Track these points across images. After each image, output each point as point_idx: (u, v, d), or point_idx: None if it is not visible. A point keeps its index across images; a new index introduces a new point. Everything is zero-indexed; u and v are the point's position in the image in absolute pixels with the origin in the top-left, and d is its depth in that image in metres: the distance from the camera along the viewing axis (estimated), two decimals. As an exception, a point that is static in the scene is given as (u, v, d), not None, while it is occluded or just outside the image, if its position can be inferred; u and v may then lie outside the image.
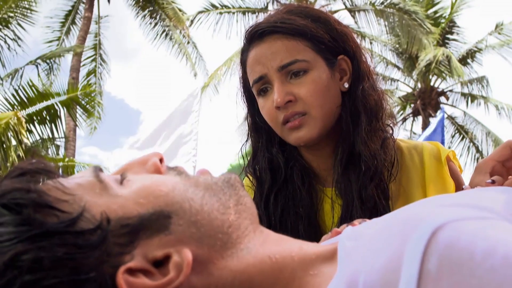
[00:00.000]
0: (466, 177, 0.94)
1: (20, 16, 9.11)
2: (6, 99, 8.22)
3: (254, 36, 1.00)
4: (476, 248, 0.36)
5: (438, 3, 14.43)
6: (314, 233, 1.02)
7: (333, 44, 1.00)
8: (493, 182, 0.77)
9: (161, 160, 0.57)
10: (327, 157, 1.05)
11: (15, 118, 6.33)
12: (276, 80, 0.97)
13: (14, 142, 6.64)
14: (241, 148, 1.15)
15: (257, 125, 1.10)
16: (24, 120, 6.53)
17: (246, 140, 1.14)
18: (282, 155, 1.07)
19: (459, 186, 1.01)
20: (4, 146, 6.53)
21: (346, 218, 0.99)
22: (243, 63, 1.05)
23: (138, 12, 14.20)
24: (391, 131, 1.05)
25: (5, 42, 8.76)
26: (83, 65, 13.60)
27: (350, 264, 0.46)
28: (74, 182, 0.50)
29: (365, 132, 0.99)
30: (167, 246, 0.48)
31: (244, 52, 1.04)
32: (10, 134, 6.53)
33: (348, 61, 1.02)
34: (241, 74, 1.09)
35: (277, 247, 0.52)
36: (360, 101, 1.00)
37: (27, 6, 9.26)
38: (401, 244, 0.41)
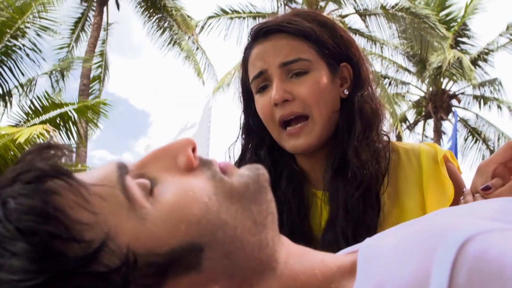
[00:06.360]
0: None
1: (38, 25, 9.23)
2: (21, 109, 8.31)
3: (259, 34, 1.00)
4: (507, 261, 0.36)
5: (449, 6, 14.40)
6: (303, 237, 1.00)
7: (337, 50, 1.00)
8: (488, 188, 0.76)
9: (193, 150, 0.51)
10: (321, 160, 1.03)
11: (42, 129, 6.36)
12: (276, 76, 0.96)
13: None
14: (229, 148, 1.13)
15: (249, 127, 1.09)
16: (52, 133, 6.57)
17: (235, 141, 1.13)
18: (270, 158, 1.05)
19: (458, 187, 0.99)
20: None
21: (331, 225, 0.97)
22: (245, 61, 1.05)
23: (146, 20, 14.27)
24: (386, 141, 1.04)
25: (24, 51, 8.87)
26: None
27: (373, 273, 0.45)
28: (98, 193, 0.43)
29: (358, 140, 0.98)
30: (197, 286, 0.44)
31: (247, 50, 1.04)
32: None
33: (350, 69, 1.02)
34: (241, 73, 1.08)
35: (300, 264, 0.50)
36: (356, 108, 1.00)
37: (44, 16, 9.36)
38: (429, 256, 0.40)
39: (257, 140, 1.08)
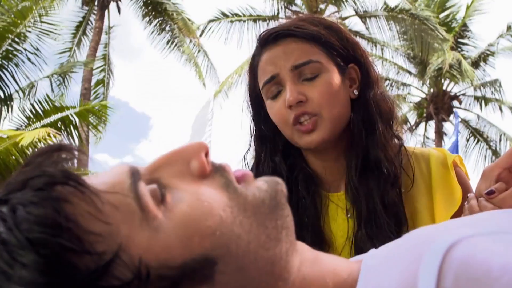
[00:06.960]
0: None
1: (39, 29, 9.27)
2: (23, 112, 8.33)
3: (268, 40, 1.01)
4: (493, 264, 0.36)
5: (449, 7, 14.41)
6: (319, 242, 1.02)
7: (344, 52, 1.02)
8: (492, 192, 0.78)
9: (206, 154, 0.49)
10: (334, 162, 1.05)
11: (45, 132, 6.37)
12: (289, 80, 0.97)
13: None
14: (244, 156, 1.14)
15: (261, 133, 1.09)
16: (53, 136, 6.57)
17: (248, 149, 1.13)
18: (285, 163, 1.07)
19: (465, 192, 1.00)
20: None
21: (370, 225, 0.98)
22: (254, 68, 1.05)
23: (147, 23, 14.27)
24: (402, 139, 1.06)
25: (26, 55, 8.90)
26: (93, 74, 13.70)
27: (368, 281, 0.46)
28: (110, 202, 0.42)
29: (383, 136, 1.00)
30: None
31: (256, 56, 1.04)
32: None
33: (357, 70, 1.04)
34: (249, 81, 1.09)
35: (312, 272, 0.49)
36: (373, 107, 1.01)
37: (45, 20, 9.38)
38: (415, 262, 0.40)
39: (270, 146, 1.09)
